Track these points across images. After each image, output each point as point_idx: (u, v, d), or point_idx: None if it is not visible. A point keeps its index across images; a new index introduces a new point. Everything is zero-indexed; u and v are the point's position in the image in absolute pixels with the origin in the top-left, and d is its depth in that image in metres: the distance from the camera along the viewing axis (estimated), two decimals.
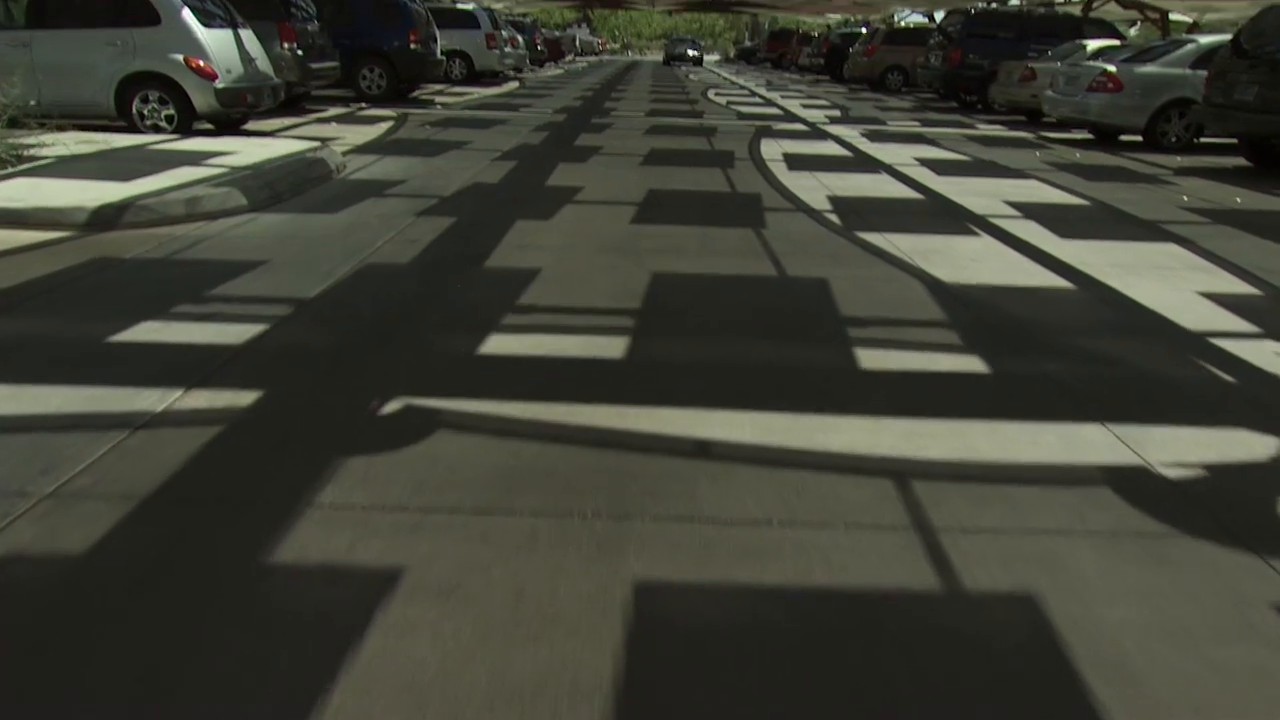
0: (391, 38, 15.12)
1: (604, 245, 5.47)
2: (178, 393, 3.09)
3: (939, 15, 36.22)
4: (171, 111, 9.26)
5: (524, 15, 46.98)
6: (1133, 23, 33.07)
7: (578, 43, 50.23)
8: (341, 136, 10.37)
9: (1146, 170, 9.89)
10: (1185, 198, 8.05)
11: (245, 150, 7.78)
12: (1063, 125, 13.92)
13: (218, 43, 9.43)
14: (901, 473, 2.71)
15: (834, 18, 48.01)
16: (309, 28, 13.02)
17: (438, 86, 19.90)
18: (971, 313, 4.36)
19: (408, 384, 3.25)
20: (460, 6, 21.79)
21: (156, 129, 9.25)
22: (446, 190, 7.21)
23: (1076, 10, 25.81)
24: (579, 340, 3.76)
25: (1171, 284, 4.99)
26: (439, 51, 16.68)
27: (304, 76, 12.52)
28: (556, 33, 46.77)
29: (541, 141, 10.83)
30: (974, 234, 6.23)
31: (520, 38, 25.59)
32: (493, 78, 23.05)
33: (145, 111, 9.25)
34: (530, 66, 30.87)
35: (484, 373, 3.40)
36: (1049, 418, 3.14)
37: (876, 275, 5.00)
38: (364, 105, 14.54)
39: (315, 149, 8.02)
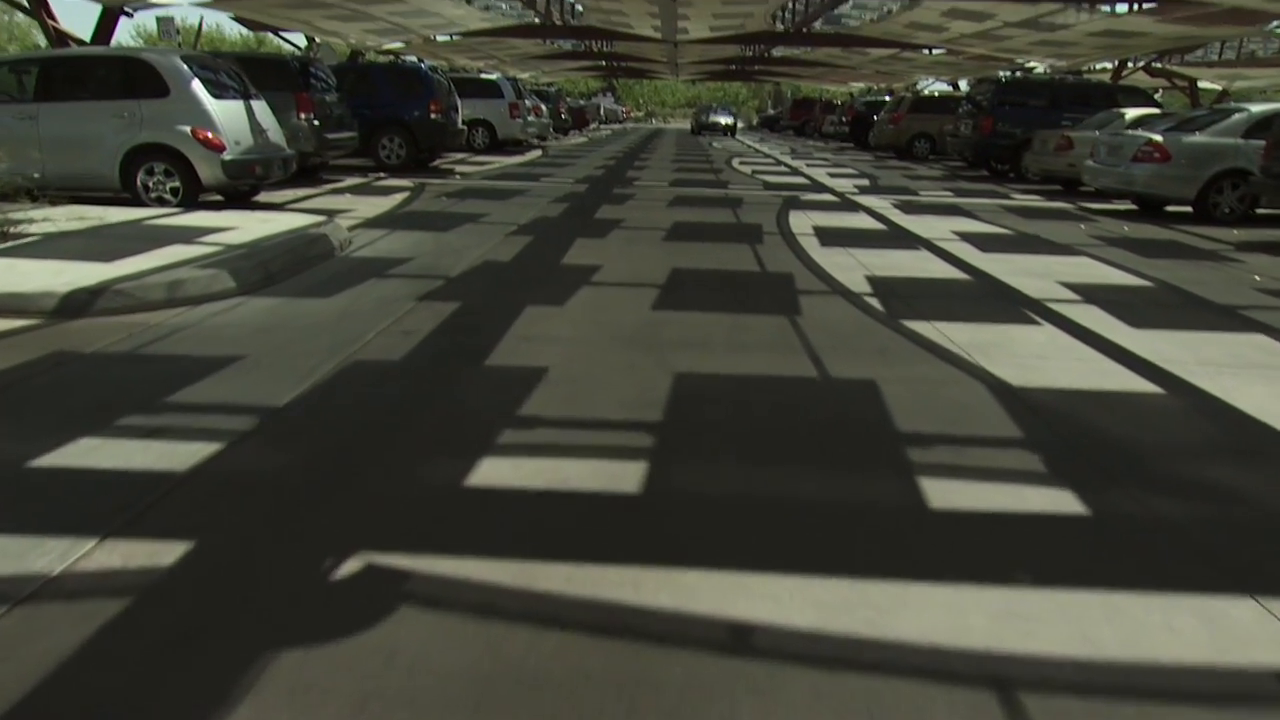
0: (412, 108, 14.95)
1: (621, 337, 4.89)
2: (89, 544, 2.50)
3: (963, 84, 36.22)
4: (177, 184, 8.92)
5: (550, 85, 47.72)
6: (1156, 90, 32.78)
7: (602, 111, 50.75)
8: (353, 209, 10.00)
9: (1204, 245, 9.25)
10: (1257, 277, 7.39)
11: (245, 226, 7.36)
12: (1102, 195, 13.37)
13: (228, 114, 9.13)
14: (1003, 678, 2.04)
15: (856, 86, 48.22)
16: (327, 98, 12.83)
17: (459, 155, 19.76)
18: (1051, 427, 3.71)
19: (374, 531, 2.64)
20: (484, 77, 21.83)
21: (161, 202, 8.90)
22: (454, 270, 6.71)
23: (1103, 78, 25.49)
24: (587, 466, 3.15)
25: (1276, 387, 4.31)
26: (460, 121, 16.52)
27: (320, 147, 12.26)
28: (582, 101, 47.33)
29: (560, 214, 10.40)
30: (1034, 322, 5.60)
31: (544, 106, 25.63)
32: (516, 146, 22.97)
33: (150, 184, 8.92)
34: (555, 134, 30.97)
35: (469, 514, 2.79)
36: (1180, 586, 2.47)
37: (932, 376, 4.37)
38: (382, 175, 14.29)
39: (319, 224, 7.59)
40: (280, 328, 4.92)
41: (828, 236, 8.96)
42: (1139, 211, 12.35)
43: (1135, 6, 16.42)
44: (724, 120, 42.02)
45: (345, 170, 14.72)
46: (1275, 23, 17.47)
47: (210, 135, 8.82)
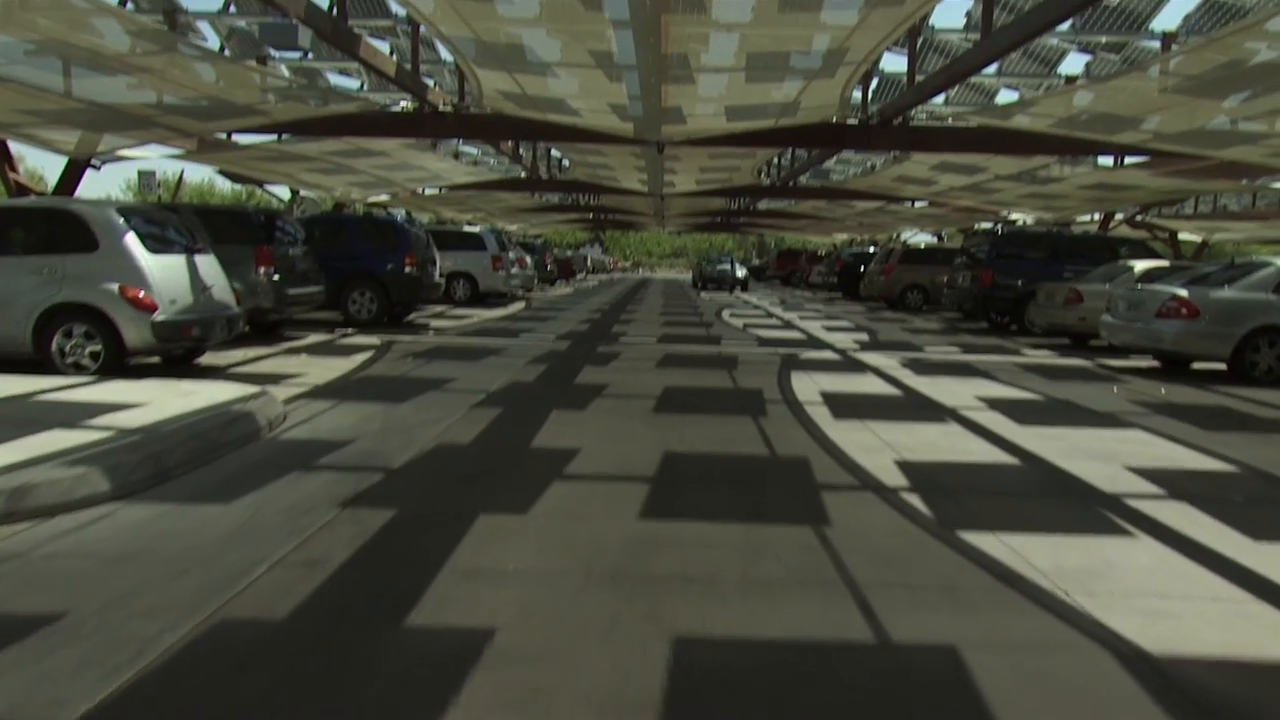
0: (385, 260, 14.18)
1: (600, 569, 3.65)
2: None
3: (946, 235, 36.58)
4: (98, 348, 7.82)
5: (538, 236, 48.21)
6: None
7: (589, 261, 51.11)
8: (304, 373, 8.90)
9: (1263, 414, 8.22)
10: None
11: (158, 401, 6.20)
12: (1116, 350, 12.51)
13: (165, 270, 8.16)
14: None
15: (840, 237, 48.98)
16: (291, 251, 12.02)
17: (438, 309, 18.98)
18: None
19: None
20: (467, 229, 21.42)
21: (77, 369, 7.78)
22: (399, 458, 5.51)
23: (1088, 230, 25.42)
24: None
25: None
26: (438, 274, 15.77)
27: (279, 303, 11.32)
28: (569, 252, 47.65)
29: (537, 378, 9.33)
30: (1126, 533, 4.40)
31: (529, 258, 25.22)
32: (499, 298, 22.32)
33: (67, 348, 7.82)
34: (540, 286, 30.58)
35: None
36: None
37: (1031, 637, 3.13)
38: (350, 331, 13.32)
39: (249, 397, 6.44)
40: (140, 558, 3.66)
41: (839, 405, 7.87)
42: (1162, 369, 11.44)
43: (1118, 161, 16.23)
44: (732, 272, 34.81)
45: (312, 326, 13.77)
46: (1263, 178, 17.31)
47: (141, 294, 7.80)
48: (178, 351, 8.63)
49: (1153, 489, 5.25)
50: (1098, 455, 6.09)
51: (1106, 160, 15.58)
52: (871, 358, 11.84)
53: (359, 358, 10.30)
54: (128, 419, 5.59)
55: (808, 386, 8.99)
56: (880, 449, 6.11)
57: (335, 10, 9.62)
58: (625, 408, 7.56)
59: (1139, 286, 11.99)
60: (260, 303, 11.13)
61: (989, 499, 4.96)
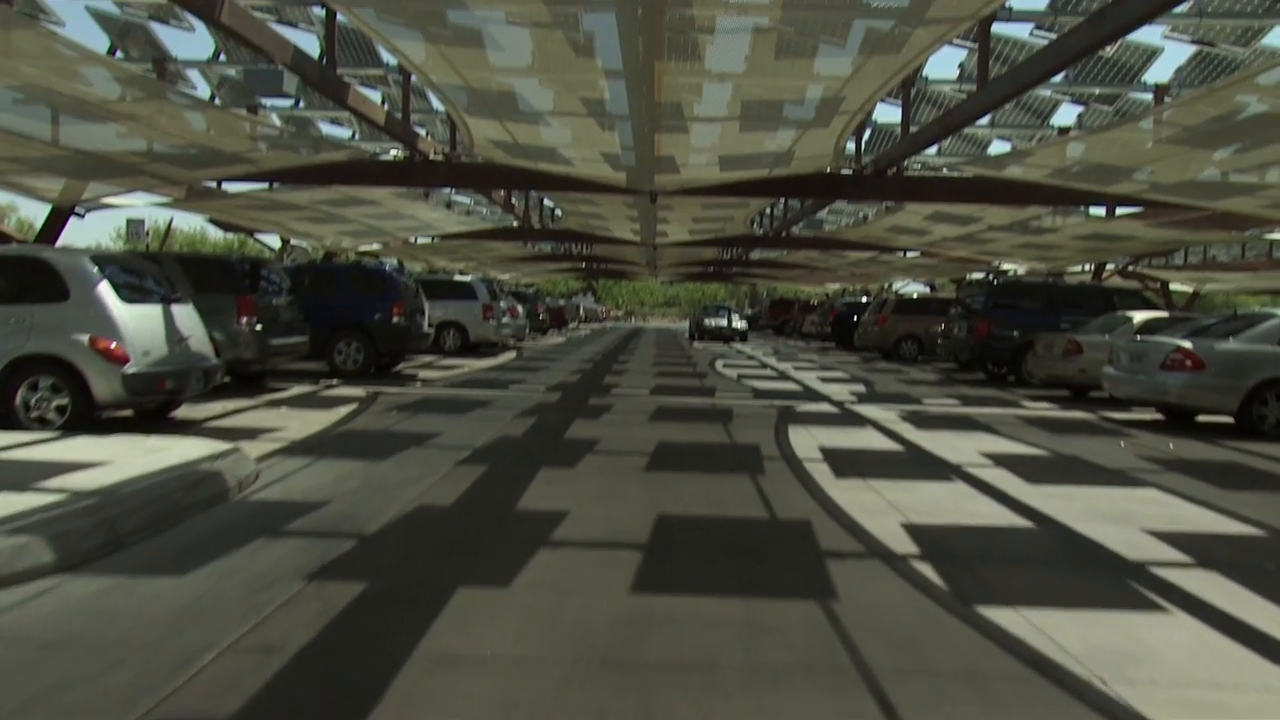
0: (373, 310, 13.91)
1: (587, 656, 3.30)
2: None
3: (938, 285, 36.61)
4: (65, 401, 7.48)
5: (530, 285, 48.15)
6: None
7: (582, 310, 51.00)
8: (283, 427, 8.55)
9: (1277, 470, 7.94)
10: None
11: (121, 460, 5.84)
12: (1118, 402, 12.26)
13: (139, 320, 7.86)
14: None
15: (832, 286, 49.08)
16: (275, 300, 11.74)
17: (427, 359, 18.67)
18: None
19: None
20: (458, 278, 21.22)
21: (42, 423, 7.43)
22: (374, 522, 5.16)
23: (1081, 280, 25.37)
24: None
25: None
26: (426, 324, 15.49)
27: (261, 354, 11.01)
28: (561, 301, 47.56)
29: (525, 432, 8.99)
30: (1158, 608, 4.07)
31: (520, 307, 25.00)
32: (490, 348, 22.04)
33: (32, 402, 7.47)
34: (532, 335, 30.36)
35: None
36: None
37: None
38: (335, 382, 12.98)
39: (218, 456, 6.09)
40: (76, 643, 3.29)
41: (840, 462, 7.55)
42: (1166, 422, 11.19)
43: (1110, 212, 16.19)
44: (730, 324, 32.21)
45: (296, 377, 13.43)
46: (1255, 229, 17.29)
47: (112, 345, 7.49)
48: (150, 405, 8.28)
49: (1178, 555, 4.93)
50: (1114, 517, 5.78)
51: (1101, 211, 15.52)
52: (869, 410, 11.55)
53: (342, 410, 9.96)
54: (85, 480, 5.23)
55: (806, 441, 8.68)
56: (885, 510, 5.78)
57: (324, 58, 9.51)
58: (616, 465, 7.23)
59: (1140, 338, 11.79)
60: (241, 353, 10.82)
61: (1006, 568, 4.63)
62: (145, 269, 8.78)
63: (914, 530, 5.30)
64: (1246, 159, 10.56)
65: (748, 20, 7.81)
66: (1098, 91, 12.11)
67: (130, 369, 7.54)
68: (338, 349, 13.81)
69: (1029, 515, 5.86)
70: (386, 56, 11.75)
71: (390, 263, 22.07)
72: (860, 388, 14.91)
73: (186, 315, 8.66)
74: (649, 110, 10.06)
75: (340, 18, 9.10)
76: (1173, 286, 32.05)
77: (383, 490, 6.00)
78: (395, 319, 13.98)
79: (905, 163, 13.69)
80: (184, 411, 9.16)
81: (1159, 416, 11.55)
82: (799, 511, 5.76)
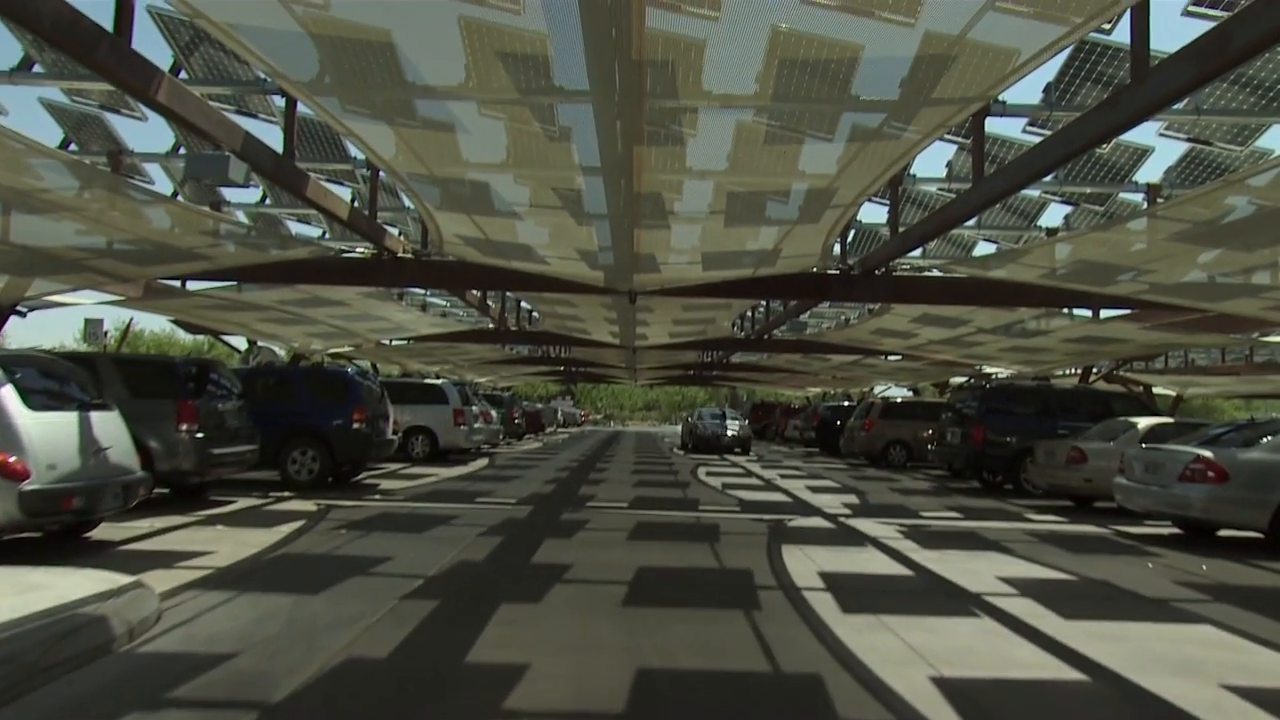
0: (332, 416, 12.97)
1: None
2: None
3: (922, 389, 36.12)
4: None
5: (507, 389, 47.30)
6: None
7: (560, 414, 50.06)
8: (212, 550, 7.51)
9: None
10: None
11: None
12: (1126, 513, 11.45)
13: (47, 429, 6.92)
14: None
15: (813, 390, 48.60)
16: (222, 405, 10.81)
17: (394, 466, 17.64)
18: None
19: None
20: (429, 381, 20.38)
21: None
22: (285, 685, 4.15)
23: (1077, 384, 24.90)
24: None
25: None
26: (390, 430, 14.53)
27: (201, 464, 10.01)
28: (538, 405, 46.65)
29: (488, 556, 7.98)
30: None
31: (494, 412, 24.08)
32: (461, 454, 21.04)
33: None
34: (507, 440, 29.35)
35: None
36: None
37: None
38: (286, 495, 11.92)
39: (111, 594, 5.08)
40: None
41: (845, 592, 6.60)
42: (1186, 537, 10.37)
43: (1095, 314, 15.77)
44: (729, 432, 27.43)
45: (245, 488, 12.37)
46: (1253, 333, 16.92)
47: (11, 459, 6.52)
48: (54, 527, 7.25)
49: None
50: (1179, 667, 4.86)
51: (1091, 313, 15.06)
52: (867, 525, 10.63)
53: (284, 529, 8.91)
54: None
55: (804, 566, 7.72)
56: (909, 660, 4.83)
57: (283, 146, 8.90)
58: (589, 598, 6.24)
59: (1151, 446, 11.07)
60: (180, 464, 9.84)
61: None
62: (67, 372, 7.90)
63: (947, 688, 4.36)
64: (1252, 259, 10.12)
65: (731, 115, 7.32)
66: (1089, 190, 11.77)
67: (30, 486, 6.55)
68: (291, 458, 12.80)
69: (1078, 664, 4.93)
70: (355, 151, 11.23)
71: (357, 365, 21.24)
72: (853, 499, 14.00)
73: (109, 423, 7.72)
74: (628, 205, 9.49)
75: (303, 108, 8.54)
76: (1156, 390, 31.76)
77: (308, 636, 4.98)
78: (356, 425, 13.04)
79: (893, 263, 13.25)
80: (103, 531, 8.10)
81: (1177, 531, 10.73)
82: (806, 662, 4.80)
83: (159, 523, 8.89)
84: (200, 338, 35.95)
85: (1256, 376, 25.56)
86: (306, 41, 5.96)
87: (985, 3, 4.77)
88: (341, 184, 12.63)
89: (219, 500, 11.01)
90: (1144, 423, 13.07)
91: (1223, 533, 10.26)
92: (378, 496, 12.27)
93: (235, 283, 14.54)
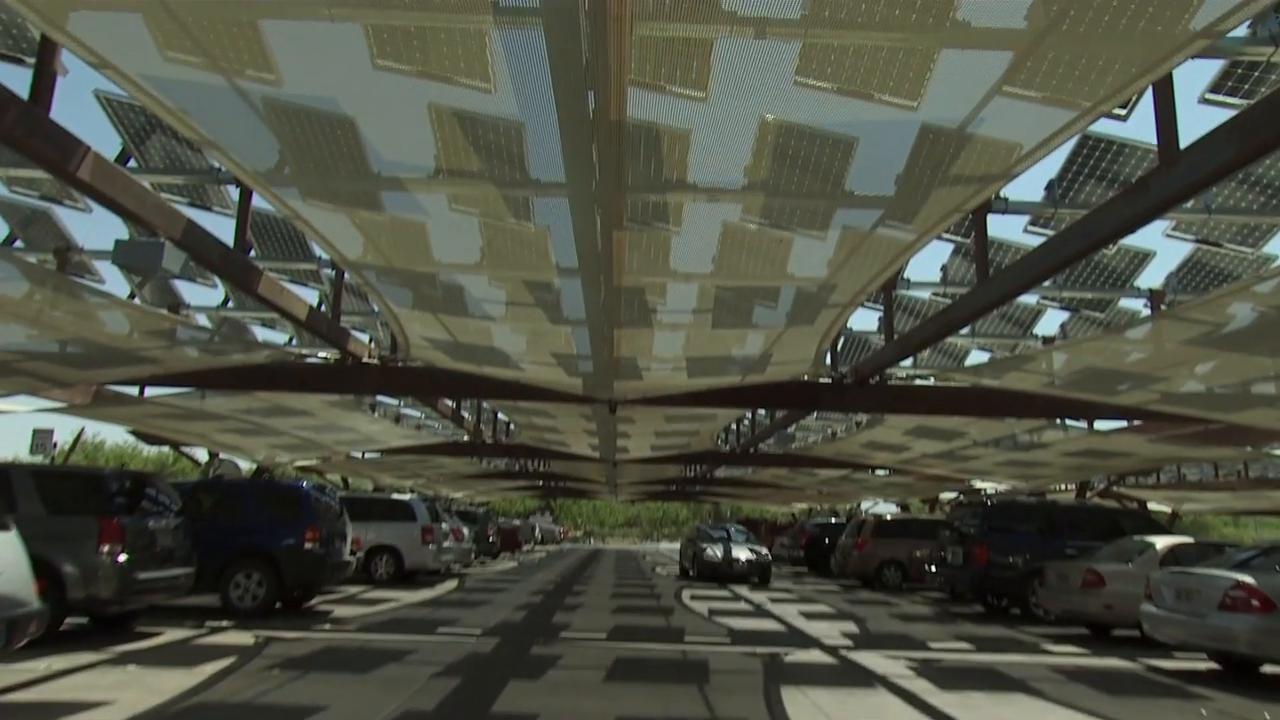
0: (282, 535, 11.83)
1: None
2: None
3: (914, 505, 35.03)
4: None
5: (483, 505, 45.69)
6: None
7: (537, 531, 48.23)
8: (111, 700, 6.34)
9: None
10: None
11: None
12: (1150, 642, 10.42)
13: None
14: None
15: (799, 506, 47.33)
16: (155, 523, 9.72)
17: (354, 589, 16.29)
18: None
19: None
20: (396, 497, 19.23)
21: None
22: None
23: (1082, 501, 24.04)
24: None
25: None
26: (349, 550, 13.34)
27: (122, 591, 8.85)
28: (515, 521, 45.00)
29: (440, 704, 6.81)
30: None
31: (466, 529, 22.78)
32: (430, 576, 19.66)
33: None
34: (480, 559, 27.87)
35: None
36: None
37: None
38: (224, 624, 10.66)
39: None
40: None
41: None
42: (1226, 673, 9.34)
43: (1090, 425, 15.12)
44: (743, 556, 21.59)
45: (180, 615, 11.11)
46: (1249, 446, 16.27)
47: None
48: None
49: None
50: None
51: (1101, 425, 14.39)
52: (872, 660, 9.51)
53: (208, 669, 7.71)
54: None
55: (808, 714, 6.63)
56: None
57: (234, 239, 8.20)
58: None
59: (1177, 570, 10.14)
60: (97, 591, 8.69)
61: None
62: None
63: None
64: (1274, 365, 9.52)
65: (717, 213, 6.73)
66: (1089, 296, 11.24)
67: None
68: (235, 581, 11.58)
69: None
70: (320, 250, 10.57)
71: (314, 480, 20.08)
72: (851, 626, 12.84)
73: (5, 547, 6.65)
74: (608, 306, 8.79)
75: (262, 202, 7.87)
76: (1152, 506, 30.91)
77: None
78: (308, 545, 11.88)
79: (886, 371, 12.58)
80: None
81: (1214, 666, 9.70)
82: None
83: (60, 662, 7.68)
84: (162, 449, 34.62)
85: (1252, 492, 24.83)
86: (264, 130, 5.31)
87: (993, 87, 4.32)
88: (306, 285, 11.93)
89: (145, 632, 9.76)
90: (1161, 543, 12.17)
91: (1266, 668, 9.25)
92: (327, 626, 11.00)
93: (193, 389, 13.64)
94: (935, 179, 5.35)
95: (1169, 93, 5.48)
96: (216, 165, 8.28)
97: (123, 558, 8.85)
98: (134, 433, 21.10)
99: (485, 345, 10.69)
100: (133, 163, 8.13)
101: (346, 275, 10.56)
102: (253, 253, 10.77)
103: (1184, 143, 5.38)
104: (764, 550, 22.49)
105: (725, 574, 21.32)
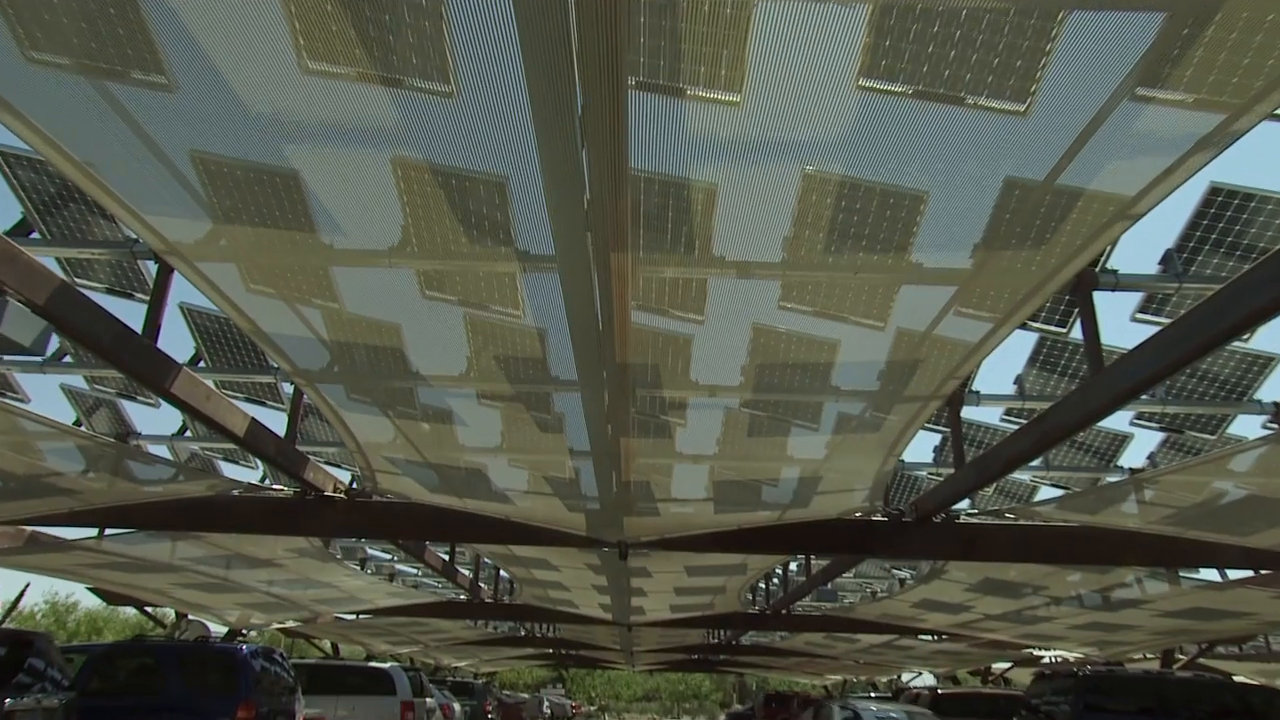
0: (209, 712, 9.45)
1: None
2: None
3: (962, 676, 31.37)
4: None
5: (489, 676, 41.91)
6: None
7: (546, 705, 43.89)
8: None
9: None
10: None
11: None
12: None
13: None
14: None
15: (833, 678, 43.13)
16: (26, 702, 7.48)
17: None
18: None
19: None
20: (373, 664, 16.64)
21: None
22: None
23: (1197, 674, 20.87)
24: None
25: None
26: None
27: None
28: (522, 695, 41.01)
29: None
30: None
31: (457, 705, 19.89)
32: None
33: None
34: None
35: None
36: None
37: None
38: None
39: None
40: None
41: None
42: None
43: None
44: None
45: None
46: None
47: None
48: None
49: None
50: None
51: (1208, 575, 11.98)
52: None
53: None
54: None
55: None
56: None
57: (144, 324, 6.48)
58: None
59: None
60: None
61: None
62: None
63: None
64: None
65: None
66: (1201, 411, 9.31)
67: None
68: None
69: None
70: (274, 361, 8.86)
71: (256, 644, 17.53)
72: None
73: None
74: (615, 411, 6.91)
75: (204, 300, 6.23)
76: (1236, 678, 27.23)
77: None
78: None
79: (952, 509, 10.42)
80: None
81: None
82: None
83: None
84: (136, 612, 31.89)
85: None
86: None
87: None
88: (265, 405, 10.16)
89: None
90: None
91: None
92: None
93: (134, 529, 11.61)
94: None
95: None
96: (132, 235, 6.81)
97: None
98: (94, 590, 18.88)
99: (469, 466, 8.75)
100: None
101: (306, 396, 8.76)
102: (202, 364, 9.16)
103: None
104: None
105: None
